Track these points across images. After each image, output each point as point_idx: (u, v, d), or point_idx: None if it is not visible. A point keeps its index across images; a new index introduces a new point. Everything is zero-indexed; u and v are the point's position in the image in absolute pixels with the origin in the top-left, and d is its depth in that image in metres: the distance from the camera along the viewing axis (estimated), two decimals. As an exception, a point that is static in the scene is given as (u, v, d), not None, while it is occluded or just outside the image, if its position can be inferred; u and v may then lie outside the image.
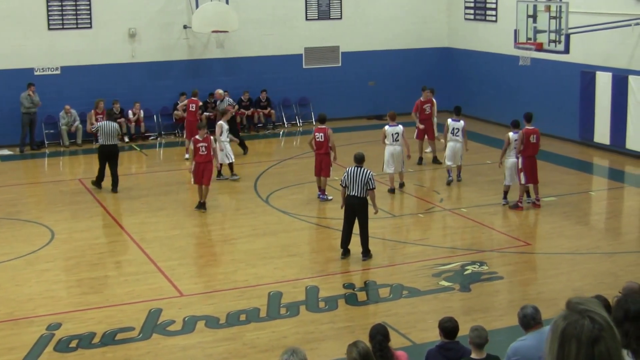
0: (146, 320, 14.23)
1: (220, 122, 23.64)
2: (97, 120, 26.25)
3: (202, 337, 13.63)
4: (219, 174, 23.57)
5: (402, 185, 22.62)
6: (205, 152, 20.64)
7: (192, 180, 20.93)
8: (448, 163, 23.00)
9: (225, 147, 23.39)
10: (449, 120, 23.01)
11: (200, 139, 20.66)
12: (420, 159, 25.20)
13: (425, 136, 25.24)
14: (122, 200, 22.04)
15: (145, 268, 16.89)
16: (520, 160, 20.36)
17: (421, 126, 25.00)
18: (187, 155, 25.88)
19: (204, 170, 20.62)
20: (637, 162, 25.12)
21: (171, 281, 16.10)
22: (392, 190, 22.22)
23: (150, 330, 13.88)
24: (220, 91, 27.75)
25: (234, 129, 25.34)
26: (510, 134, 20.55)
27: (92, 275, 16.66)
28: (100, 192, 22.53)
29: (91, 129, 25.24)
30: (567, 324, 3.39)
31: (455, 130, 22.67)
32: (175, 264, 17.14)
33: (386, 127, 22.30)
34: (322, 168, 21.38)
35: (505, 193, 20.77)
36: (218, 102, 27.50)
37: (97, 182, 22.93)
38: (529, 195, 20.78)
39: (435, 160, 25.21)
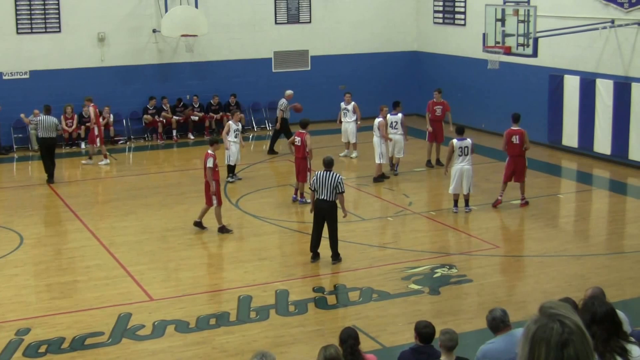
0: (116, 325, 14.17)
1: (230, 122, 23.66)
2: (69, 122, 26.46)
3: (172, 342, 13.59)
4: (233, 175, 23.96)
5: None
6: (218, 169, 19.18)
7: (218, 202, 19.02)
8: (397, 156, 24.31)
9: (230, 148, 23.34)
10: (389, 115, 23.88)
11: (213, 154, 19.00)
12: (429, 162, 25.36)
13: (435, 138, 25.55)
14: (91, 205, 21.94)
15: (114, 273, 16.81)
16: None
17: (430, 129, 25.21)
18: (106, 161, 26.36)
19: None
20: (605, 164, 25.31)
21: (141, 285, 16.04)
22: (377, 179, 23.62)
23: (120, 335, 13.83)
24: (291, 92, 27.89)
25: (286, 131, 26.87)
26: (455, 140, 20.56)
27: (62, 280, 16.58)
28: (70, 197, 22.47)
29: (30, 123, 27.26)
30: (537, 328, 3.43)
31: (394, 124, 23.63)
32: (144, 268, 17.09)
33: (376, 120, 23.82)
34: (299, 172, 21.37)
35: (455, 202, 20.72)
36: (284, 104, 27.35)
37: (49, 177, 24.08)
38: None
39: (438, 162, 25.32)
